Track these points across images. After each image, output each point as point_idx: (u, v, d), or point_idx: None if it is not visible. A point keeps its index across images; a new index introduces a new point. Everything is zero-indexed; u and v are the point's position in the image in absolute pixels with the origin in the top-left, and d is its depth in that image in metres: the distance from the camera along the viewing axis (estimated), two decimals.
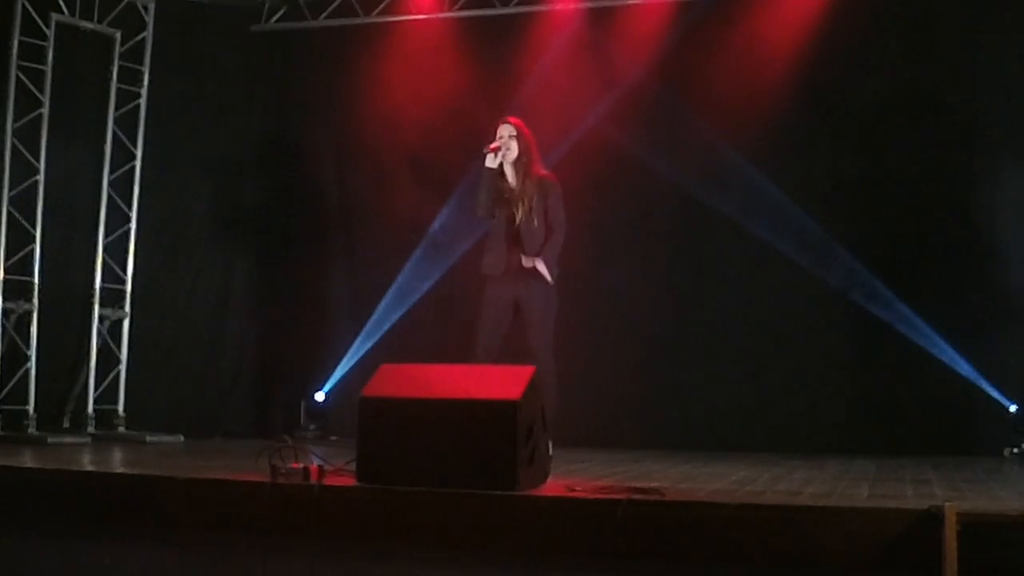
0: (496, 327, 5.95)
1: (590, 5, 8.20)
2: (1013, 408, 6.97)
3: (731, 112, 7.62)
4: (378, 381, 4.48)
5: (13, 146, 7.43)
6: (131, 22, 8.08)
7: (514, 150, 5.98)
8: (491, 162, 5.97)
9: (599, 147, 7.82)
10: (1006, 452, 6.89)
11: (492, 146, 5.98)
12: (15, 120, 7.43)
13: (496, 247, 6.00)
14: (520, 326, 5.98)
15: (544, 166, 6.15)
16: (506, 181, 6.02)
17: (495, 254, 6.00)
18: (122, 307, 8.11)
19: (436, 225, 8.09)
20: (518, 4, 8.30)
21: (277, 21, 8.90)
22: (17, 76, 7.42)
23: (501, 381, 4.32)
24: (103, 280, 8.00)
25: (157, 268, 8.38)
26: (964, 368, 7.08)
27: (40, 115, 7.53)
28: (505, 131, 6.02)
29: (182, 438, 7.62)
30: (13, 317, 7.42)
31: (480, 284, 6.08)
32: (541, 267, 5.91)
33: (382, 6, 8.66)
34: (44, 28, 7.56)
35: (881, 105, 7.52)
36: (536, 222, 5.95)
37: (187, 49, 8.35)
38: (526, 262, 5.91)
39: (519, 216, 5.95)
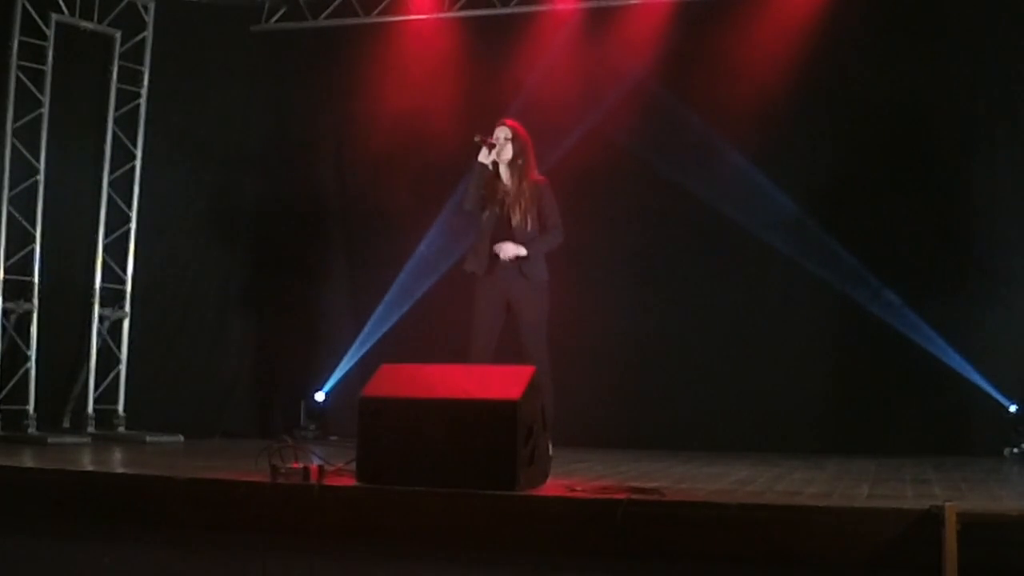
0: (490, 328, 5.97)
1: (590, 5, 8.20)
2: (1013, 408, 6.97)
3: (730, 112, 7.62)
4: (378, 381, 4.48)
5: (13, 146, 7.43)
6: (131, 22, 8.08)
7: (509, 151, 5.99)
8: (484, 157, 5.98)
9: (598, 147, 7.82)
10: (1006, 452, 6.89)
11: (487, 139, 5.98)
12: (15, 120, 7.43)
13: (483, 246, 6.01)
14: (513, 326, 5.99)
15: (538, 169, 6.16)
16: (501, 181, 6.02)
17: (480, 253, 6.01)
18: (122, 307, 8.11)
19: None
20: (518, 4, 8.30)
21: (277, 21, 8.90)
22: (17, 76, 7.42)
23: (501, 381, 4.32)
24: (103, 280, 8.00)
25: (157, 268, 8.38)
26: (964, 368, 7.08)
27: (40, 115, 7.53)
28: (501, 133, 6.02)
29: (182, 438, 7.62)
30: (13, 317, 7.43)
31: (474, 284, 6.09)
32: (512, 250, 5.89)
33: (382, 6, 8.66)
34: (44, 28, 7.56)
35: (883, 103, 7.52)
36: (530, 226, 5.97)
37: (187, 49, 8.35)
38: (503, 252, 5.88)
39: (516, 219, 5.96)
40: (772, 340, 7.62)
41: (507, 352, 5.98)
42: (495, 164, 6.02)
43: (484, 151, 5.98)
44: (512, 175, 6.01)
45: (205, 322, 8.69)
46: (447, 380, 4.47)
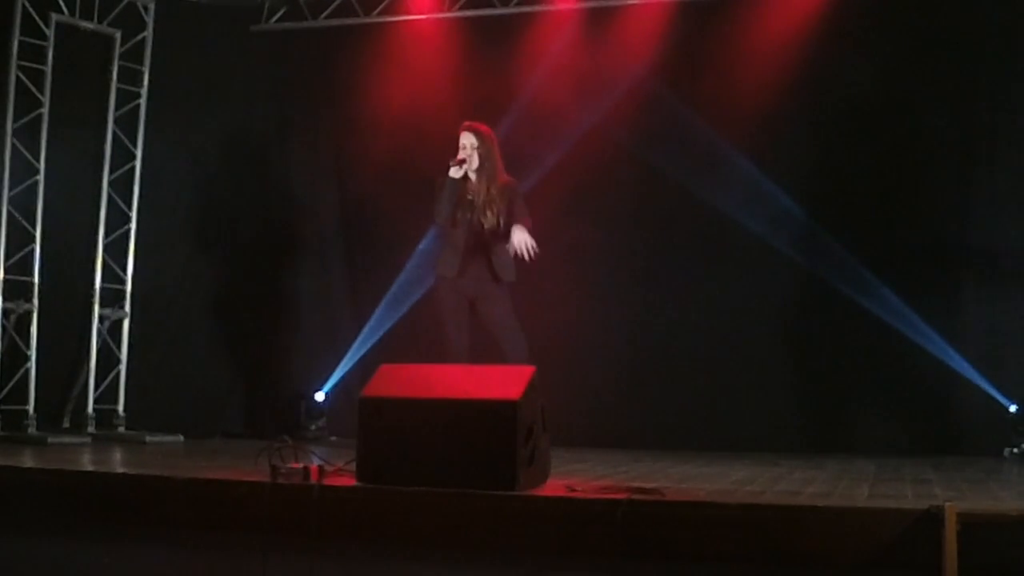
0: (462, 327, 6.06)
1: (590, 5, 8.20)
2: (1013, 408, 6.97)
3: (730, 111, 7.61)
4: (378, 381, 4.48)
5: (13, 146, 7.43)
6: (131, 22, 8.08)
7: (475, 160, 6.01)
8: (456, 173, 6.00)
9: (599, 147, 7.82)
10: (1006, 452, 6.89)
11: (457, 159, 6.00)
12: (15, 120, 7.43)
13: (454, 250, 6.04)
14: (483, 322, 6.07)
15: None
16: (471, 183, 6.04)
17: (453, 256, 6.05)
18: (122, 307, 8.11)
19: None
20: (518, 4, 8.30)
21: (277, 21, 8.90)
22: (17, 76, 7.42)
23: (501, 381, 4.32)
24: (103, 280, 8.00)
25: (157, 268, 8.37)
26: (964, 368, 7.08)
27: (40, 115, 7.53)
28: (467, 140, 6.05)
29: (182, 438, 7.62)
30: (13, 317, 7.42)
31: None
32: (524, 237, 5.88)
33: (382, 6, 8.66)
34: (44, 28, 7.56)
35: (884, 102, 7.51)
36: (502, 227, 6.01)
37: (187, 49, 8.35)
38: (516, 238, 5.85)
39: (488, 223, 5.99)
40: (772, 340, 7.61)
41: (481, 351, 6.05)
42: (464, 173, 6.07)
43: (455, 168, 5.99)
44: (480, 179, 6.04)
45: (205, 322, 8.68)
46: (447, 380, 4.47)
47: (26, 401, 7.36)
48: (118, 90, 8.07)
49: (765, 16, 7.66)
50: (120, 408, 7.96)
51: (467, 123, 6.12)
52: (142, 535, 4.46)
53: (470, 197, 6.04)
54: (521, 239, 5.83)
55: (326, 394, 8.45)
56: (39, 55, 7.54)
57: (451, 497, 4.06)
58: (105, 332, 8.01)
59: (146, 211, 8.22)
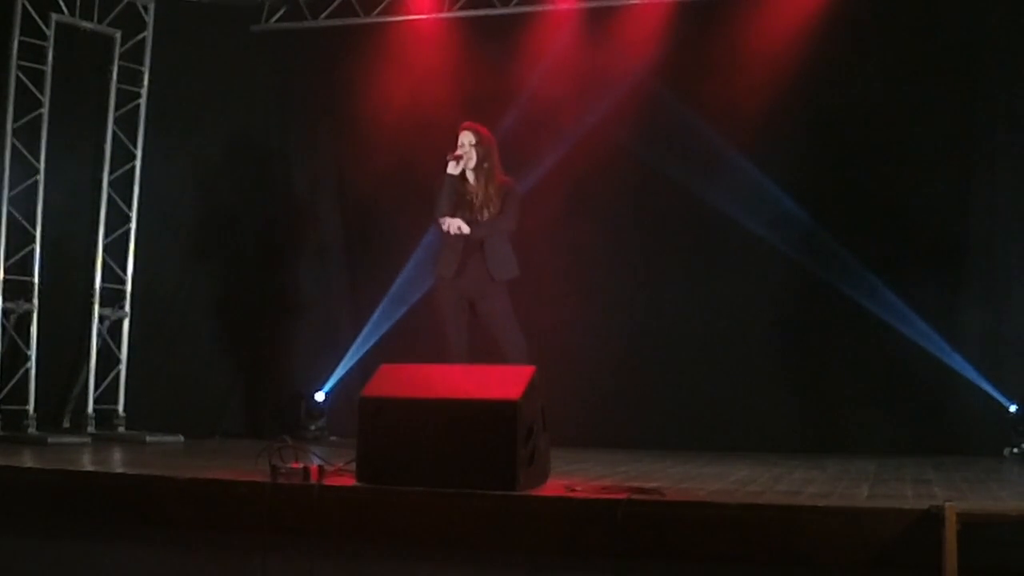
0: (461, 327, 6.12)
1: (590, 5, 8.20)
2: (1013, 408, 6.97)
3: (731, 111, 7.60)
4: (378, 381, 4.48)
5: (13, 146, 7.43)
6: (131, 22, 8.08)
7: (474, 157, 6.05)
8: (453, 169, 6.05)
9: (598, 147, 7.82)
10: (1006, 452, 6.89)
11: (455, 154, 6.03)
12: (15, 120, 7.43)
13: (453, 250, 6.07)
14: (483, 321, 6.12)
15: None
16: (468, 184, 6.07)
17: (451, 256, 6.09)
18: (122, 307, 8.11)
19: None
20: (518, 4, 8.30)
21: (277, 21, 8.90)
22: (17, 76, 7.42)
23: (501, 381, 4.32)
24: (103, 280, 8.00)
25: (157, 268, 8.37)
26: (964, 368, 7.08)
27: (40, 115, 7.53)
28: (466, 139, 6.11)
29: (182, 438, 7.62)
30: (13, 317, 7.42)
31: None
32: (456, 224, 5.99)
33: (382, 6, 8.66)
34: (44, 28, 7.56)
35: (885, 102, 7.51)
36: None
37: (187, 49, 8.35)
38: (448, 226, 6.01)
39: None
40: (773, 340, 7.61)
41: (481, 351, 6.04)
42: (463, 170, 6.09)
43: (452, 164, 6.04)
44: (479, 178, 6.07)
45: (205, 322, 8.68)
46: (447, 380, 4.48)
47: (26, 401, 7.36)
48: (118, 90, 8.07)
49: (766, 17, 7.66)
50: (120, 408, 7.96)
51: (467, 123, 6.17)
52: (142, 535, 4.46)
53: (468, 197, 6.07)
54: (452, 223, 5.98)
55: (326, 394, 8.44)
56: (39, 55, 7.54)
57: (451, 497, 4.06)
58: (105, 332, 8.01)
59: (146, 211, 8.22)
